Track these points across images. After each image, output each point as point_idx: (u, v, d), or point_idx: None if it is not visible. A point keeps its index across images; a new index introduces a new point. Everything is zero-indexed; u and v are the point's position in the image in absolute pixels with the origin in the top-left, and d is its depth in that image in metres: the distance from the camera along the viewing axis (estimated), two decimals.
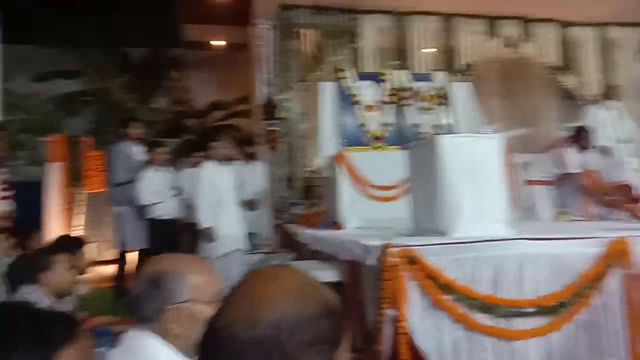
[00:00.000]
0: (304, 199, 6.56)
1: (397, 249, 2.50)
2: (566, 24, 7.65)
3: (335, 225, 4.68)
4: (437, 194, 3.03)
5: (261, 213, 6.09)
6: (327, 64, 7.27)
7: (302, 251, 4.82)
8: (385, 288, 2.49)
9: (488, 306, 2.48)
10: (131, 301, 1.38)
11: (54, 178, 7.50)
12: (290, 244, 5.53)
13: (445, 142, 3.03)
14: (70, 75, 8.79)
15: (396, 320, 2.45)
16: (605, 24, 7.72)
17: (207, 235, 4.86)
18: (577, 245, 2.71)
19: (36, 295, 2.51)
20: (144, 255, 5.45)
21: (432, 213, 3.10)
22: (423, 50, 7.40)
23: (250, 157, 6.35)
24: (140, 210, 5.38)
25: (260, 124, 7.13)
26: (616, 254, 2.70)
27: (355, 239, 3.02)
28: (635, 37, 7.83)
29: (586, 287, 2.60)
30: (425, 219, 3.23)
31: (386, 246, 2.52)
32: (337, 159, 4.79)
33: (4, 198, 5.56)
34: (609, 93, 5.65)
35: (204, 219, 4.88)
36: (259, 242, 5.33)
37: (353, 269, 3.12)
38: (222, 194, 5.06)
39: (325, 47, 7.37)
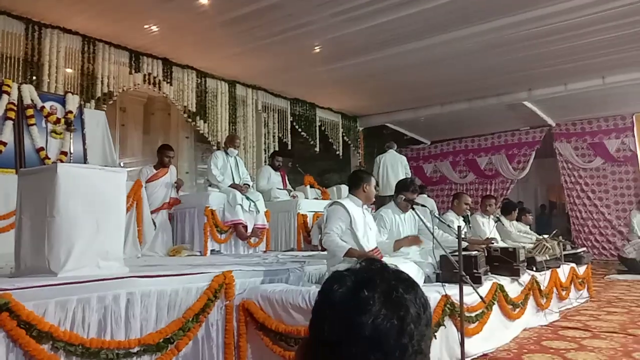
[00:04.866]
0: None
1: None
2: (203, 75, 8.41)
3: None
4: (48, 228, 2.72)
5: None
6: None
7: None
8: None
9: (93, 351, 2.33)
10: None
11: None
12: None
13: (63, 171, 2.78)
14: None
15: None
16: (234, 82, 8.90)
17: None
18: (186, 281, 2.88)
19: None
20: None
21: (41, 250, 2.76)
22: (60, 69, 6.71)
23: None
24: None
25: None
26: (220, 287, 3.01)
27: None
28: (254, 97, 9.32)
29: (192, 320, 2.78)
30: (33, 257, 2.84)
31: None
32: None
33: None
34: (230, 141, 6.43)
35: None
36: None
37: None
38: None
39: None
